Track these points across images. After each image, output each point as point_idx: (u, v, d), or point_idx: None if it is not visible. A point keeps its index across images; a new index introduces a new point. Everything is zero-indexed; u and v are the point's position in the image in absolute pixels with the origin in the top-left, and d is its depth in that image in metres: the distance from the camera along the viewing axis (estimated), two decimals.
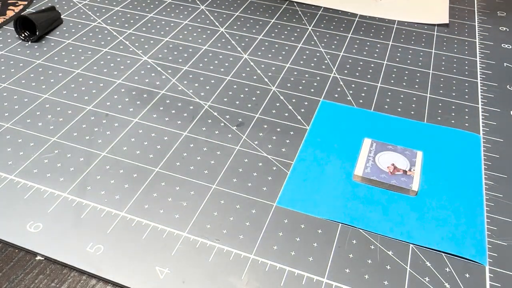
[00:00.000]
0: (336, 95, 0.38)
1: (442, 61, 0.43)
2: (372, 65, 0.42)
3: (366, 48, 0.45)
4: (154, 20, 0.48)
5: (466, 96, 0.39)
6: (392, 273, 0.26)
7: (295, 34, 0.46)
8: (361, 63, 0.42)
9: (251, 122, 0.35)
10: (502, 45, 0.46)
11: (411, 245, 0.27)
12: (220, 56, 0.43)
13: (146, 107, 0.37)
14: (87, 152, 0.32)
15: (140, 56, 0.42)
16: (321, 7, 0.51)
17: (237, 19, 0.49)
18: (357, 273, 0.26)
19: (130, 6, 0.50)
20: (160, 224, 0.28)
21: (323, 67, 0.42)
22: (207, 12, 0.50)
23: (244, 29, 0.47)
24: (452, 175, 0.31)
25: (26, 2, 0.50)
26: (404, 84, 0.40)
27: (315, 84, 0.40)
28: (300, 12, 0.50)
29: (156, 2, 0.51)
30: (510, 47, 0.46)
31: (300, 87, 0.39)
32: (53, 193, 0.29)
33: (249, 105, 0.37)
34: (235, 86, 0.39)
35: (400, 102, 0.38)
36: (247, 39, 0.45)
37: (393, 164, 0.31)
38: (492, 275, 0.26)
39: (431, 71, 0.42)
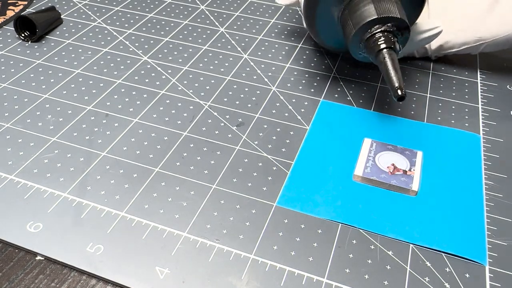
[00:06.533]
0: (336, 95, 0.38)
1: (442, 61, 0.43)
2: (372, 65, 0.42)
3: None
4: (154, 20, 0.48)
5: (466, 96, 0.39)
6: (392, 273, 0.26)
7: (295, 34, 0.46)
8: (361, 63, 0.42)
9: (251, 122, 0.35)
10: None
11: (411, 245, 0.27)
12: (220, 56, 0.43)
13: (146, 107, 0.37)
14: (87, 152, 0.32)
15: (140, 56, 0.42)
16: None
17: (237, 19, 0.49)
18: (357, 273, 0.26)
19: (130, 6, 0.50)
20: (160, 224, 0.28)
21: (323, 67, 0.42)
22: (207, 12, 0.50)
23: (244, 29, 0.47)
24: (452, 175, 0.31)
25: (26, 2, 0.50)
26: (404, 84, 0.40)
27: (315, 84, 0.40)
28: (300, 12, 0.50)
29: (156, 2, 0.51)
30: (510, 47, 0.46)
31: (300, 87, 0.39)
32: (53, 193, 0.29)
33: (249, 105, 0.37)
34: (235, 86, 0.39)
35: (400, 102, 0.38)
36: (247, 39, 0.45)
37: (393, 164, 0.31)
38: (492, 275, 0.26)
39: (431, 72, 0.42)
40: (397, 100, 0.31)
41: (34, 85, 0.38)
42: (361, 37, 0.33)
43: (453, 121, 0.36)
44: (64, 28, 0.46)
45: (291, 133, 0.34)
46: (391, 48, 0.32)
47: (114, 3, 0.51)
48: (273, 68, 0.41)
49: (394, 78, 0.31)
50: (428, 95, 0.39)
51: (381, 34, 0.32)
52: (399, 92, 0.30)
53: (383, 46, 0.32)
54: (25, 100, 0.37)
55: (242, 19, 0.49)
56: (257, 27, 0.47)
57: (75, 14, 0.48)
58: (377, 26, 0.32)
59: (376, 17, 0.32)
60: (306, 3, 0.35)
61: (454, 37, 0.39)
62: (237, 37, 0.46)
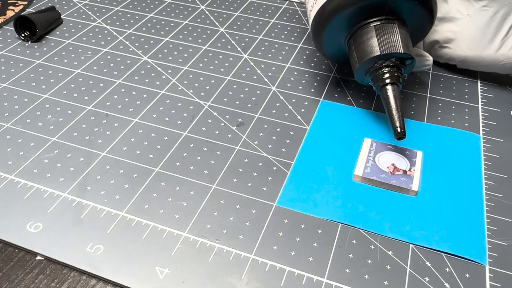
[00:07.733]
0: (336, 95, 0.38)
1: None
2: None
3: None
4: (154, 20, 0.48)
5: (466, 96, 0.39)
6: (392, 273, 0.26)
7: (295, 34, 0.46)
8: None
9: (251, 122, 0.35)
10: None
11: (411, 245, 0.27)
12: (220, 56, 0.43)
13: (146, 107, 0.37)
14: (87, 152, 0.32)
15: (140, 56, 0.42)
16: None
17: (237, 19, 0.49)
18: (357, 273, 0.26)
19: (130, 6, 0.50)
20: (160, 224, 0.28)
21: (323, 67, 0.42)
22: (207, 12, 0.50)
23: (244, 29, 0.47)
24: (452, 175, 0.31)
25: (26, 2, 0.50)
26: (404, 84, 0.40)
27: (315, 84, 0.40)
28: (300, 12, 0.50)
29: (156, 2, 0.51)
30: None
31: (300, 87, 0.39)
32: (53, 193, 0.29)
33: (249, 105, 0.37)
34: (235, 86, 0.39)
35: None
36: (247, 39, 0.45)
37: (393, 164, 0.31)
38: (492, 275, 0.26)
39: (431, 71, 0.42)
40: (397, 139, 0.31)
41: (34, 85, 0.38)
42: (366, 70, 0.33)
43: (453, 121, 0.36)
44: (64, 28, 0.46)
45: (291, 133, 0.34)
46: (394, 83, 0.32)
47: (114, 3, 0.51)
48: (273, 68, 0.41)
49: (395, 117, 0.31)
50: (428, 95, 0.39)
51: (385, 70, 0.32)
52: (399, 130, 0.31)
53: (387, 81, 0.32)
54: (25, 100, 0.37)
55: (242, 19, 0.49)
56: (257, 27, 0.47)
57: (75, 14, 0.48)
58: (380, 61, 0.32)
59: (378, 54, 0.32)
60: (314, 24, 0.35)
61: (440, 51, 0.41)
62: (237, 37, 0.46)
